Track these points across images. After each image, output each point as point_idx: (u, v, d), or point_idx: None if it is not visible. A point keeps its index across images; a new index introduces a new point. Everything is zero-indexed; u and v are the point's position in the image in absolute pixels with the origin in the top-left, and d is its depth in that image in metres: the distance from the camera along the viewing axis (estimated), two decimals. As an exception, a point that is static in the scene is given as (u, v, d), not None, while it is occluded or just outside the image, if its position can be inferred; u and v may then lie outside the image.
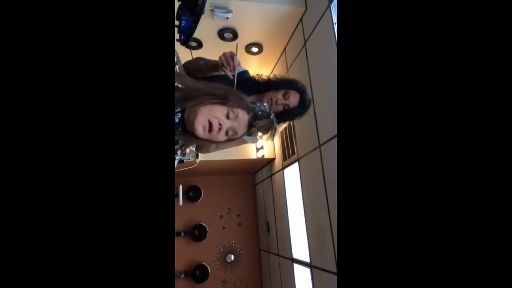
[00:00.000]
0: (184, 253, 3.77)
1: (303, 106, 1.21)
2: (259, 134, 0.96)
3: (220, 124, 0.81)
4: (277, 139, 3.35)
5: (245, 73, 1.26)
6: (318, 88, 2.31)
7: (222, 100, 0.82)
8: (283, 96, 1.16)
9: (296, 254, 2.85)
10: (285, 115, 1.17)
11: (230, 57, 1.02)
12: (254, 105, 0.90)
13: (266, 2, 2.40)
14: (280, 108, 1.16)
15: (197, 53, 2.76)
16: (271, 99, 1.16)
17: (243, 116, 0.85)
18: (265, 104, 0.92)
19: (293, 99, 1.18)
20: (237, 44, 1.13)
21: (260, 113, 0.89)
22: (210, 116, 0.80)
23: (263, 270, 3.89)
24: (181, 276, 3.66)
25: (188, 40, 1.18)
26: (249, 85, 1.20)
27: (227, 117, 0.82)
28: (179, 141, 0.89)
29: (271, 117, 0.91)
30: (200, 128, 0.80)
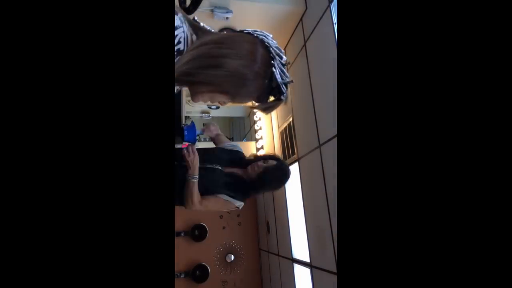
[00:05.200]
0: (184, 253, 3.77)
1: (279, 168, 1.38)
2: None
3: (220, 103, 0.79)
4: (277, 139, 3.35)
5: (237, 152, 1.45)
6: (318, 88, 2.31)
7: (226, 93, 0.74)
8: (263, 162, 1.38)
9: (296, 254, 2.85)
10: (265, 174, 1.34)
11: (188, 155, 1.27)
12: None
13: (266, 2, 2.40)
14: (261, 169, 1.34)
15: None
16: (253, 165, 1.37)
17: (248, 101, 0.81)
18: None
19: (271, 163, 1.38)
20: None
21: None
22: (210, 99, 0.77)
23: (263, 270, 3.89)
24: (181, 276, 3.66)
25: (195, 8, 1.20)
26: (236, 160, 1.42)
27: (229, 99, 0.79)
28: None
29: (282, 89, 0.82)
30: (197, 102, 0.79)
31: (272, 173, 1.36)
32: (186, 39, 0.75)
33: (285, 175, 1.41)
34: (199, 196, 1.28)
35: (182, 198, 1.29)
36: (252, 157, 1.47)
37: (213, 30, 0.78)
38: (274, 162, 1.39)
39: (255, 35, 0.75)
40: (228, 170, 1.39)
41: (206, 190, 1.30)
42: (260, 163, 1.38)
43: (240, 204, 1.37)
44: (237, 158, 1.45)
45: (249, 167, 1.38)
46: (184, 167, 1.28)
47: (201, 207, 1.28)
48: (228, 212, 4.05)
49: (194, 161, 1.26)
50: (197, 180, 1.27)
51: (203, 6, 2.31)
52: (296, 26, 2.68)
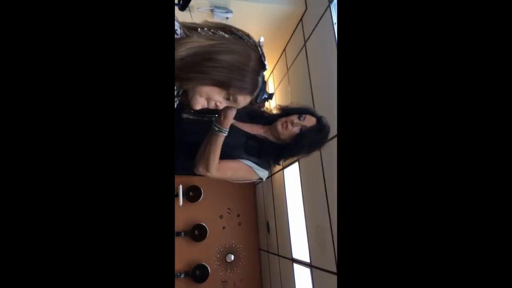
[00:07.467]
0: (184, 253, 3.76)
1: (321, 129, 1.09)
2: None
3: (217, 105, 0.80)
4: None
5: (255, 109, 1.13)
6: (318, 88, 2.31)
7: (223, 86, 0.76)
8: (298, 118, 1.07)
9: (296, 254, 2.85)
10: (303, 137, 1.04)
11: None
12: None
13: (266, 2, 2.40)
14: (297, 129, 1.05)
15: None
16: (286, 122, 1.06)
17: (244, 100, 0.81)
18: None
19: (310, 120, 1.08)
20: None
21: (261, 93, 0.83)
22: (208, 98, 0.79)
23: (263, 270, 3.89)
24: (181, 276, 3.66)
25: (186, 4, 1.19)
26: (258, 116, 1.15)
27: (226, 99, 0.80)
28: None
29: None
30: (198, 108, 0.79)
31: (313, 135, 1.05)
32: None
33: (327, 136, 1.10)
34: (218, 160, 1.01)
35: (190, 165, 1.03)
36: (279, 110, 1.14)
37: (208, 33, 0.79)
38: (313, 119, 1.08)
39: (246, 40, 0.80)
40: (248, 128, 1.09)
41: (223, 154, 1.01)
42: (295, 119, 1.06)
43: (264, 174, 1.09)
44: (258, 113, 1.15)
45: (278, 125, 1.07)
46: (208, 121, 1.01)
47: (218, 173, 1.02)
48: (228, 212, 4.05)
49: (230, 112, 0.95)
50: (225, 135, 0.97)
51: (203, 6, 2.31)
52: (296, 26, 2.68)
